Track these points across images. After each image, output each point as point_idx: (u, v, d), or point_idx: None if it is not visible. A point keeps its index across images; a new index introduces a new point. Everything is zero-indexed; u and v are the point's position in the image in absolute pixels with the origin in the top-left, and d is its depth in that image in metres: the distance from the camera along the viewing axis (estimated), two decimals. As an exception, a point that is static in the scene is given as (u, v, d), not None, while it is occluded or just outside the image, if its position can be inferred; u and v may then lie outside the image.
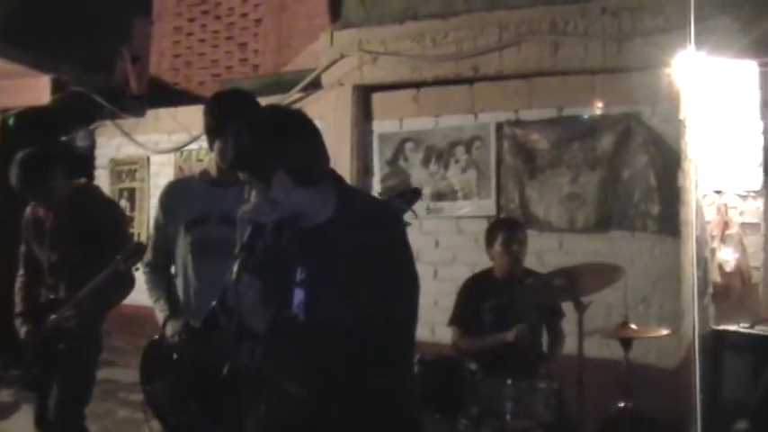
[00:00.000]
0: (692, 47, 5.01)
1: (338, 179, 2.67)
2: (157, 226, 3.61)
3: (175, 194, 3.58)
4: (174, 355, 3.29)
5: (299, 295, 2.53)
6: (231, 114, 3.34)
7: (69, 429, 4.34)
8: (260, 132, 2.50)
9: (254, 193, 2.52)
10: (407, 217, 3.27)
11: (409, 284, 2.55)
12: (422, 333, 2.58)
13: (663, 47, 5.41)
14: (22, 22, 7.09)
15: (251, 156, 2.48)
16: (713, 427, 4.79)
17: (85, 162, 8.94)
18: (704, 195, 5.28)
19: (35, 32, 7.13)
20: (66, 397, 4.28)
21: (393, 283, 2.48)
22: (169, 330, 3.37)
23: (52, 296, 4.31)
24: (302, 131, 2.55)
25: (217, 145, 3.38)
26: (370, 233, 2.48)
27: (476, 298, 4.92)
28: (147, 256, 3.69)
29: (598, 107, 6.08)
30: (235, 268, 2.46)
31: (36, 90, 7.89)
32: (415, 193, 3.65)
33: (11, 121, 8.15)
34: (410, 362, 2.59)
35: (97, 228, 4.26)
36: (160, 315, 3.46)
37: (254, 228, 2.51)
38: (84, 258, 4.17)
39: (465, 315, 4.94)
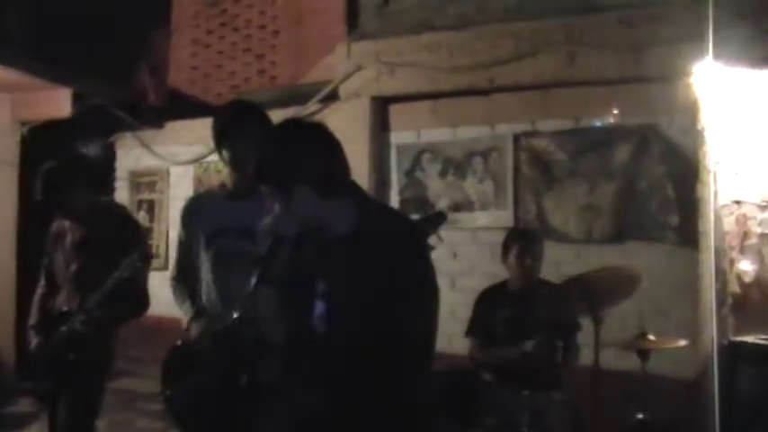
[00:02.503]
0: (709, 57, 5.01)
1: (359, 191, 2.66)
2: (180, 243, 3.64)
3: (196, 209, 3.61)
4: (197, 360, 3.27)
5: (319, 307, 2.53)
6: (238, 124, 3.38)
7: None
8: (282, 144, 2.52)
9: (276, 205, 2.53)
10: (432, 240, 3.26)
11: (429, 298, 2.54)
12: (439, 344, 2.57)
13: (680, 57, 5.38)
14: (41, 35, 7.15)
15: (273, 167, 2.50)
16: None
17: (106, 174, 9.02)
18: (723, 206, 5.26)
19: (54, 45, 7.18)
20: (74, 409, 4.24)
21: (413, 296, 2.48)
22: (193, 331, 3.37)
23: (66, 308, 4.32)
24: (324, 143, 2.56)
25: (225, 154, 3.42)
26: (392, 246, 2.48)
27: (489, 310, 4.90)
28: (173, 271, 3.70)
29: (615, 118, 6.07)
30: (253, 280, 2.47)
31: (57, 103, 7.92)
32: (440, 216, 3.62)
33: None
34: (428, 376, 2.58)
35: (117, 245, 4.25)
36: (185, 317, 3.48)
37: (274, 239, 2.52)
38: (101, 274, 4.18)
39: (480, 326, 4.92)
